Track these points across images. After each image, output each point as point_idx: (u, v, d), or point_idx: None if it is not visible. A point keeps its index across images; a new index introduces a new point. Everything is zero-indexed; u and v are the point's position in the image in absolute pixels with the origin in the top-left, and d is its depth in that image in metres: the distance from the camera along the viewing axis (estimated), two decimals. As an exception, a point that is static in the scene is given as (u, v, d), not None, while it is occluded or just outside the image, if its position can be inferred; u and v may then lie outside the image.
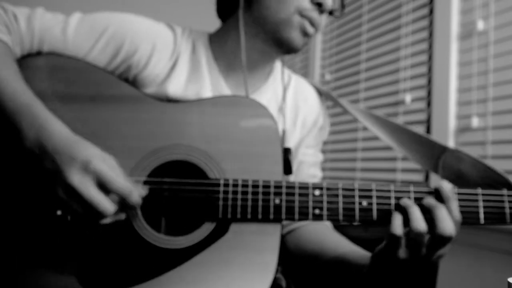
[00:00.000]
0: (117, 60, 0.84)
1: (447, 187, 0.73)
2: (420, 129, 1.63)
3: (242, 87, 0.92)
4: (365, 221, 0.75)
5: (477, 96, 1.48)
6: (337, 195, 0.76)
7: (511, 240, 1.34)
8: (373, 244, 0.86)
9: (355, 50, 2.09)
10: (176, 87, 0.87)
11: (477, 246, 1.43)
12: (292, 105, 0.99)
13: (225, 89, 0.91)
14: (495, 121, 1.42)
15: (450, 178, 0.89)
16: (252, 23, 0.88)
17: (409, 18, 1.78)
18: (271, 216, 0.76)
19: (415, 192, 0.75)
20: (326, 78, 2.25)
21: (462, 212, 0.74)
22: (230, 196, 0.76)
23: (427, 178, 1.61)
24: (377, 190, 0.75)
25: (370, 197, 0.75)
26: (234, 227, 0.76)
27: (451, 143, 1.53)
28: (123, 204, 0.71)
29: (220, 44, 0.92)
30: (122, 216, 0.74)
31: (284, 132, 0.91)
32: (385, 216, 0.75)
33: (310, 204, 0.76)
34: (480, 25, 1.48)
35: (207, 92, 0.89)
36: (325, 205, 0.76)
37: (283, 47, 0.88)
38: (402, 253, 0.72)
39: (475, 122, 1.47)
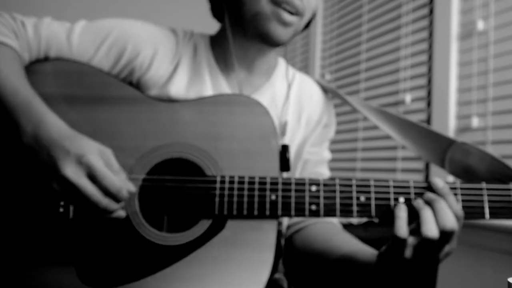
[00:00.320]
0: (121, 64, 0.87)
1: (438, 183, 0.72)
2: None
3: (243, 87, 0.92)
4: (363, 216, 0.74)
5: (477, 96, 1.48)
6: (334, 191, 0.75)
7: (511, 240, 1.33)
8: (373, 244, 0.86)
9: (355, 50, 2.09)
10: (178, 89, 0.88)
11: (477, 246, 1.42)
12: (296, 104, 0.98)
13: (226, 90, 0.92)
14: (495, 121, 1.42)
15: (457, 172, 0.88)
16: (238, 23, 0.89)
17: (409, 18, 1.78)
18: (267, 212, 0.75)
19: (414, 187, 0.74)
20: (326, 78, 2.25)
21: (465, 207, 0.73)
22: (226, 192, 0.76)
23: (427, 178, 1.61)
24: (375, 186, 0.75)
25: (369, 192, 0.75)
26: (230, 224, 0.76)
27: (451, 143, 1.53)
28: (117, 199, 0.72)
29: (219, 45, 0.93)
30: (123, 214, 0.75)
31: (285, 125, 0.90)
32: (384, 212, 0.74)
33: (307, 200, 0.75)
34: (480, 25, 1.48)
35: (209, 93, 0.90)
36: (321, 200, 0.75)
37: (268, 42, 0.87)
38: (408, 253, 0.71)
39: (475, 122, 1.47)
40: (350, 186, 0.75)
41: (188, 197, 0.77)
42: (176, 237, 0.76)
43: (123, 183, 0.72)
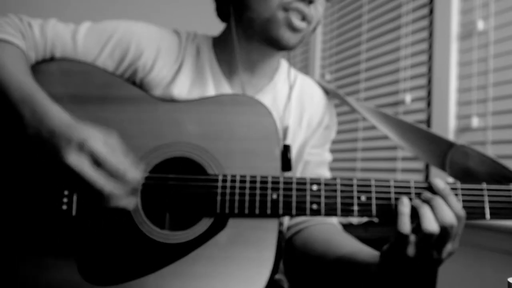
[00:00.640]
0: (124, 64, 0.88)
1: (439, 183, 0.73)
2: (420, 129, 1.63)
3: (245, 89, 0.93)
4: (363, 216, 0.74)
5: (477, 96, 1.48)
6: (335, 190, 0.76)
7: (511, 240, 1.33)
8: (373, 244, 0.86)
9: (355, 50, 2.09)
10: (180, 90, 0.89)
11: (477, 246, 1.42)
12: (297, 105, 0.99)
13: (228, 92, 0.92)
14: (495, 121, 1.42)
15: (457, 175, 0.88)
16: (245, 26, 0.89)
17: (409, 18, 1.78)
18: (268, 211, 0.76)
19: (415, 187, 0.75)
20: (326, 78, 2.25)
21: (466, 208, 0.73)
22: (228, 191, 0.77)
23: (427, 178, 1.61)
24: (376, 185, 0.75)
25: (369, 192, 0.75)
26: (231, 222, 0.77)
27: (451, 143, 1.53)
28: (122, 183, 0.70)
29: (222, 47, 0.94)
30: (130, 204, 0.72)
31: (286, 129, 0.91)
32: (384, 211, 0.74)
33: (308, 199, 0.76)
34: (480, 25, 1.48)
35: (211, 94, 0.90)
36: (323, 199, 0.75)
37: (276, 46, 0.88)
38: (411, 251, 0.72)
39: (475, 122, 1.47)
40: (351, 185, 0.76)
41: (190, 196, 0.78)
42: (177, 235, 0.77)
43: (128, 166, 0.70)
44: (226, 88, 0.92)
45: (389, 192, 0.75)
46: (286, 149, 0.82)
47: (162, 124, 0.81)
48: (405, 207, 0.73)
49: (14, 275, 0.77)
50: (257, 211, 0.76)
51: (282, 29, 0.84)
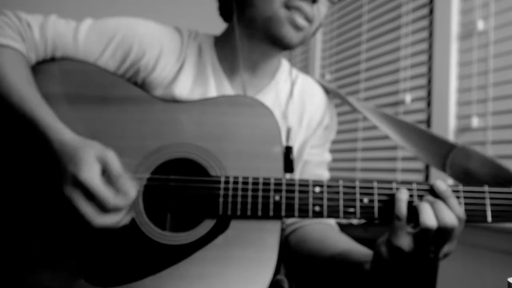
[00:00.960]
0: (126, 64, 0.87)
1: (441, 185, 0.74)
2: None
3: (246, 88, 0.93)
4: (366, 218, 0.74)
5: (477, 96, 1.48)
6: (337, 192, 0.76)
7: (511, 240, 1.34)
8: (373, 244, 0.86)
9: (355, 50, 2.09)
10: (182, 90, 0.89)
11: (477, 246, 1.43)
12: (298, 105, 0.99)
13: (230, 91, 0.92)
14: (495, 121, 1.43)
15: (458, 176, 0.89)
16: (247, 25, 0.89)
17: (409, 18, 1.78)
18: (271, 213, 0.76)
19: (417, 190, 0.75)
20: (326, 78, 2.25)
21: (468, 210, 0.73)
22: (230, 193, 0.76)
23: (427, 178, 1.61)
24: (378, 188, 0.75)
25: (372, 194, 0.75)
26: (234, 224, 0.77)
27: (451, 143, 1.53)
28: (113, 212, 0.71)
29: (223, 46, 0.94)
30: (124, 221, 0.73)
31: (288, 131, 0.91)
32: (386, 214, 0.74)
33: (310, 201, 0.76)
34: (480, 25, 1.48)
35: (212, 94, 0.90)
36: (325, 202, 0.76)
37: (278, 44, 0.88)
38: (406, 242, 0.72)
39: (475, 122, 1.47)
40: (354, 187, 0.76)
41: (192, 197, 0.77)
42: (180, 236, 0.76)
43: (123, 187, 0.70)
44: (228, 88, 0.92)
45: (391, 195, 0.75)
46: (288, 151, 0.82)
47: (163, 125, 0.81)
48: (402, 194, 0.74)
49: (16, 277, 0.76)
50: (259, 213, 0.76)
51: (285, 27, 0.84)
